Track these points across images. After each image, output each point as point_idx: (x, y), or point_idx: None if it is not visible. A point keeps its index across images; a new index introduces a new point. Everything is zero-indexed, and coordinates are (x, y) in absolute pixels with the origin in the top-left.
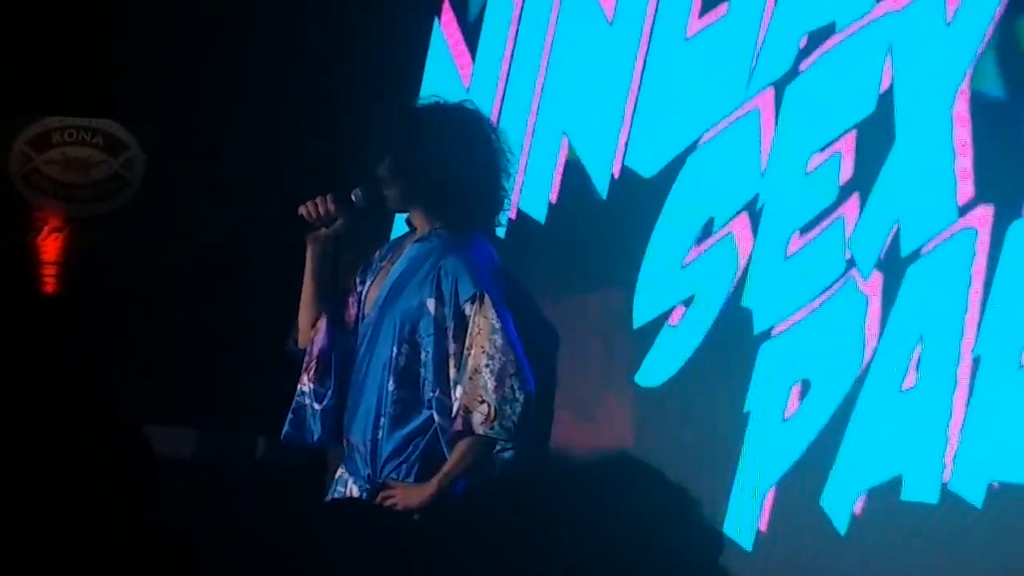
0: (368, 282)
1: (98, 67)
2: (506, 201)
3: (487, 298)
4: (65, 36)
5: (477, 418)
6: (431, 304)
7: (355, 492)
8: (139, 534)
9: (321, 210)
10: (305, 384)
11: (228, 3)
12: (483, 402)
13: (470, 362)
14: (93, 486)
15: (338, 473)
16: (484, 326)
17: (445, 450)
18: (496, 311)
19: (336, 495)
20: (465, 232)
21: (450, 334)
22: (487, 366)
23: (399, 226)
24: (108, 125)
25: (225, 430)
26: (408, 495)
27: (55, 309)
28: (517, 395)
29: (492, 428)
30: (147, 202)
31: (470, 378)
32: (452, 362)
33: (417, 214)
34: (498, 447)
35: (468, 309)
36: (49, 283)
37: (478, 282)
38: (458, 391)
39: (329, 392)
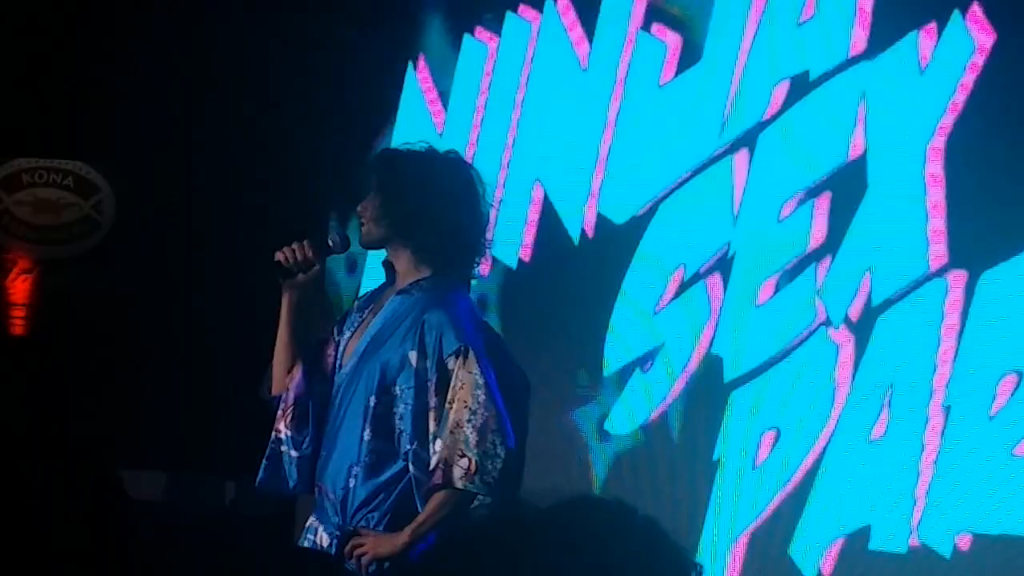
0: (348, 333)
1: (69, 109)
2: (486, 251)
3: (471, 353)
4: (36, 78)
5: (457, 472)
6: (413, 357)
7: (325, 540)
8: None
9: (298, 256)
10: (281, 431)
11: (203, 48)
12: (464, 456)
13: (451, 416)
14: (62, 528)
15: (308, 522)
16: (468, 381)
17: (418, 503)
18: (480, 366)
19: (306, 543)
20: (448, 281)
21: (431, 388)
22: (469, 421)
23: (372, 267)
24: (79, 167)
25: (195, 474)
26: (379, 544)
27: (24, 351)
28: (498, 450)
29: (472, 482)
30: (117, 244)
31: (451, 432)
32: (432, 415)
33: (401, 256)
34: (475, 502)
35: (452, 363)
36: (18, 325)
37: (462, 336)
38: (438, 444)
39: (307, 439)
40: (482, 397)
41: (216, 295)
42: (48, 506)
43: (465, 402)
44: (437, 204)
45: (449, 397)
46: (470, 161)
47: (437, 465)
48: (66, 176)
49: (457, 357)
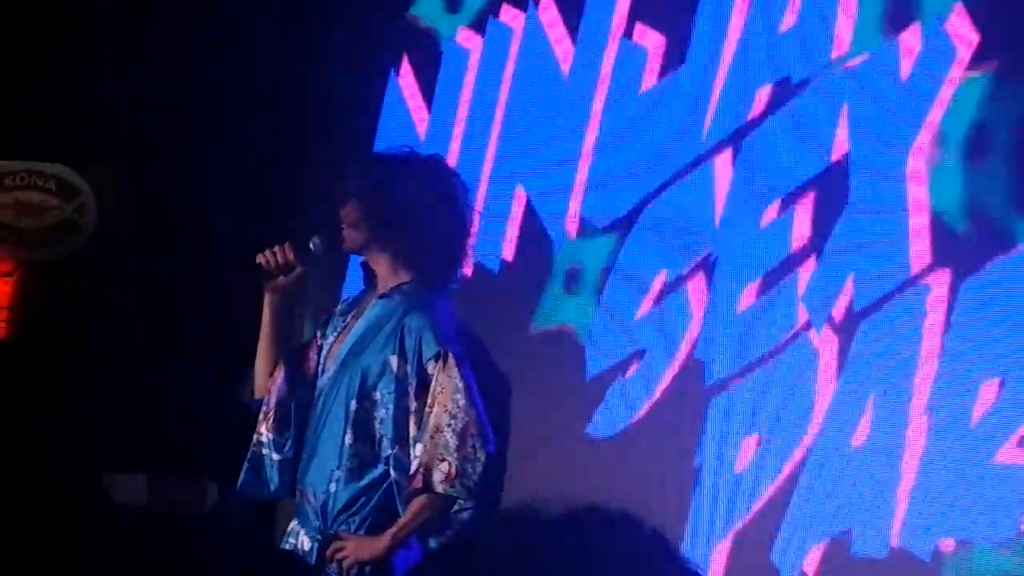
0: (331, 337)
1: (52, 112)
2: (468, 257)
3: (451, 357)
4: (18, 80)
5: (438, 476)
6: (394, 362)
7: (306, 544)
8: None
9: (280, 259)
10: (263, 434)
11: (184, 51)
12: (444, 460)
13: (431, 420)
14: (44, 531)
15: (290, 526)
16: (447, 385)
17: (400, 507)
18: (460, 371)
19: (287, 547)
20: (429, 285)
21: (411, 392)
22: (449, 425)
23: (354, 271)
24: (61, 170)
25: (178, 477)
26: (360, 548)
27: (6, 354)
28: (478, 454)
29: (453, 487)
30: (100, 248)
31: (431, 436)
32: (412, 420)
33: (381, 261)
34: (456, 507)
35: (431, 368)
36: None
37: (442, 341)
38: (418, 449)
39: (288, 442)
40: (462, 401)
41: (199, 298)
42: (29, 508)
43: (445, 406)
44: (417, 209)
45: (429, 401)
46: (452, 165)
47: (417, 469)
48: (48, 179)
49: (437, 361)
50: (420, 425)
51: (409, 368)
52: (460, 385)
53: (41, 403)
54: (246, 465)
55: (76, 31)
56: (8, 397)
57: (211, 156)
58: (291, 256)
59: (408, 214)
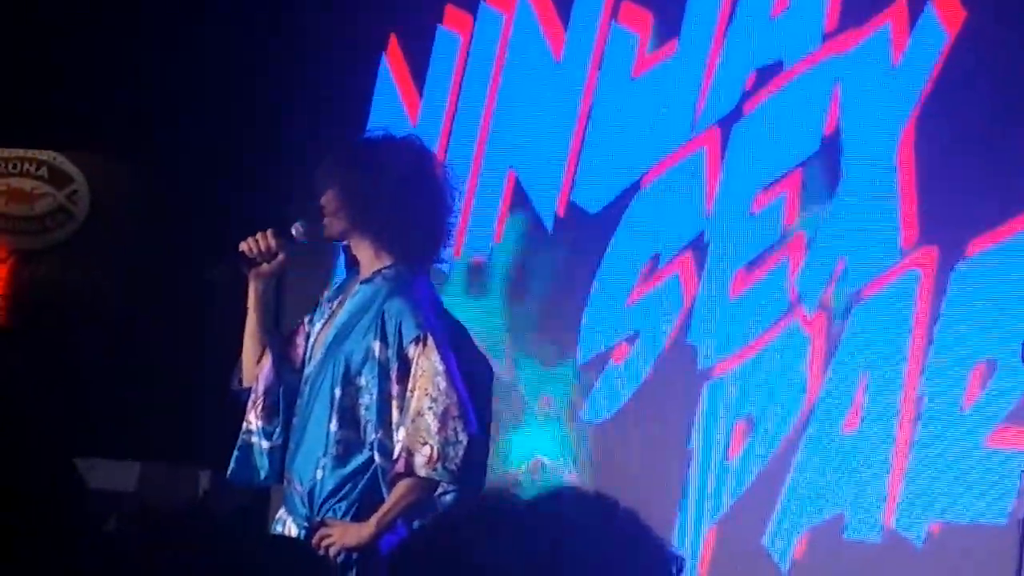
0: (317, 324)
1: (44, 98)
2: (450, 236)
3: (431, 340)
4: (11, 66)
5: (420, 460)
6: (376, 347)
7: (293, 532)
8: (72, 568)
9: (262, 246)
10: (252, 422)
11: (175, 40)
12: (425, 444)
13: (413, 404)
14: (36, 517)
15: (278, 514)
16: (428, 368)
17: (385, 491)
18: (440, 353)
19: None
20: (409, 269)
21: (393, 376)
22: (430, 408)
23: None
24: (53, 157)
25: (169, 464)
26: (346, 534)
27: None
28: (460, 437)
29: (435, 470)
30: (91, 235)
31: (413, 420)
32: (395, 404)
33: (363, 246)
34: (440, 490)
35: (412, 351)
36: None
37: (421, 324)
38: (400, 433)
39: (278, 430)
40: (442, 384)
41: (189, 285)
42: (23, 493)
43: (426, 389)
44: (392, 190)
45: (410, 385)
46: (444, 150)
47: (400, 453)
48: (40, 166)
49: (416, 344)
50: (403, 409)
51: (390, 352)
52: (440, 368)
53: (33, 389)
54: (236, 453)
55: (70, 18)
56: (0, 383)
57: (203, 144)
58: (273, 242)
59: (385, 197)
